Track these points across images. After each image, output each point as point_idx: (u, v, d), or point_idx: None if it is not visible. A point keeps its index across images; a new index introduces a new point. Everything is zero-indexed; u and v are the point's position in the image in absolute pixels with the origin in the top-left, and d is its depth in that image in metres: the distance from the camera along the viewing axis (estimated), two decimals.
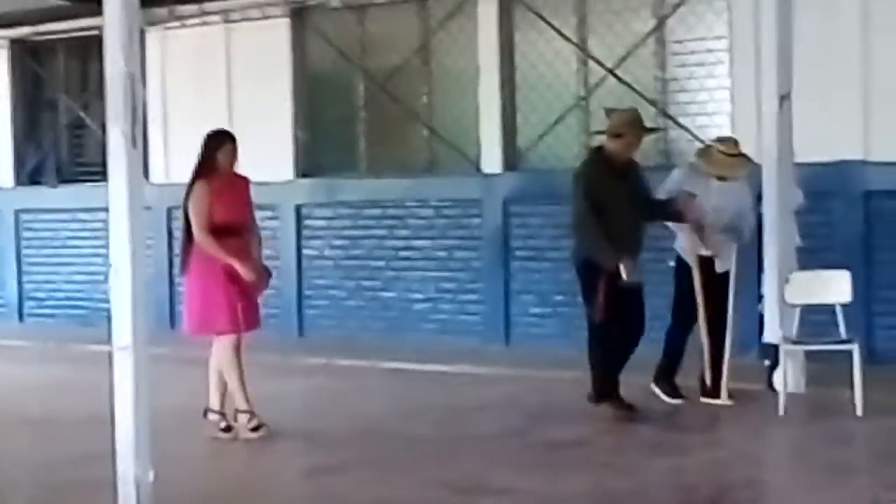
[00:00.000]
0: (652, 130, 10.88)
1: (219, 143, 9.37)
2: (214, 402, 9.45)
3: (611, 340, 9.62)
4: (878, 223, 11.60)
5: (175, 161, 15.49)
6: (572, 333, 12.68)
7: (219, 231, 9.20)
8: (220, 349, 9.33)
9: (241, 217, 9.45)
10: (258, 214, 9.83)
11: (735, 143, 10.20)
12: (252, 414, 9.31)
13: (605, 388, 9.68)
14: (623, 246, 9.45)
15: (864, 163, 11.55)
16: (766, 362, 10.37)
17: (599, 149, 9.93)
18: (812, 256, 10.59)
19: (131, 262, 7.21)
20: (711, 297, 10.02)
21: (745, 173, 10.19)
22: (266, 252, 9.88)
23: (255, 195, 9.64)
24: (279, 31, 14.86)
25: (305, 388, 11.11)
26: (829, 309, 9.86)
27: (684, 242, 10.17)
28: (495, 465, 8.50)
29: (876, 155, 11.49)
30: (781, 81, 10.45)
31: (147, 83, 14.23)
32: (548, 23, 13.31)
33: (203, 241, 9.19)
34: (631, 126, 9.83)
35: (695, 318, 10.08)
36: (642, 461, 8.63)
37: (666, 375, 10.17)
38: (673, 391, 10.12)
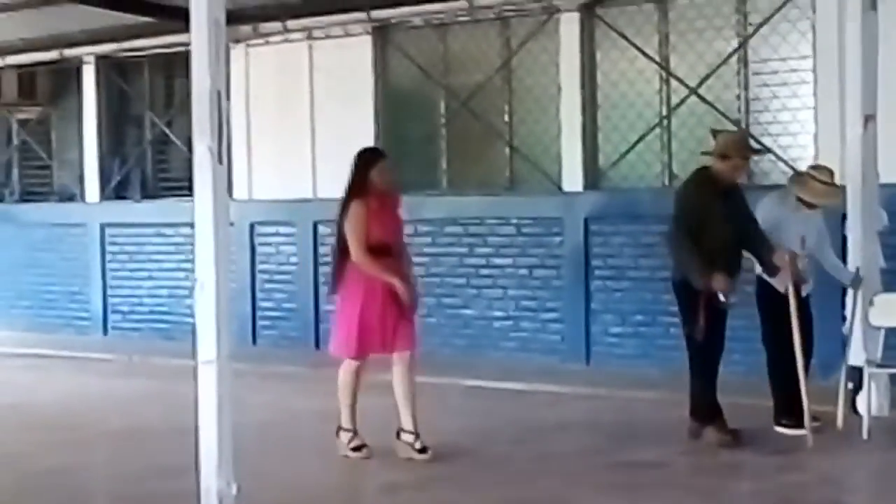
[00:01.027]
0: (758, 152, 11.02)
1: (373, 161, 9.27)
2: (345, 421, 9.43)
3: (709, 361, 9.45)
4: None
5: (258, 178, 15.65)
6: (653, 353, 12.69)
7: (373, 251, 9.09)
8: (344, 368, 9.35)
9: (395, 236, 9.36)
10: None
11: (831, 172, 9.91)
12: (355, 433, 9.34)
13: (705, 410, 9.51)
14: (721, 267, 9.22)
15: None
16: (850, 385, 10.25)
17: (705, 168, 9.75)
18: None
19: (216, 278, 7.26)
20: (799, 322, 9.81)
21: (838, 202, 10.06)
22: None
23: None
24: (362, 48, 14.92)
25: (385, 405, 11.06)
26: None
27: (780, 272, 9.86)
28: (574, 485, 8.48)
29: None
30: (866, 102, 10.38)
31: (230, 100, 14.32)
32: (630, 42, 13.29)
33: (362, 262, 9.08)
34: (738, 148, 9.73)
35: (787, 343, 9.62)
36: (723, 483, 8.57)
37: (786, 407, 9.75)
38: (798, 422, 9.59)
